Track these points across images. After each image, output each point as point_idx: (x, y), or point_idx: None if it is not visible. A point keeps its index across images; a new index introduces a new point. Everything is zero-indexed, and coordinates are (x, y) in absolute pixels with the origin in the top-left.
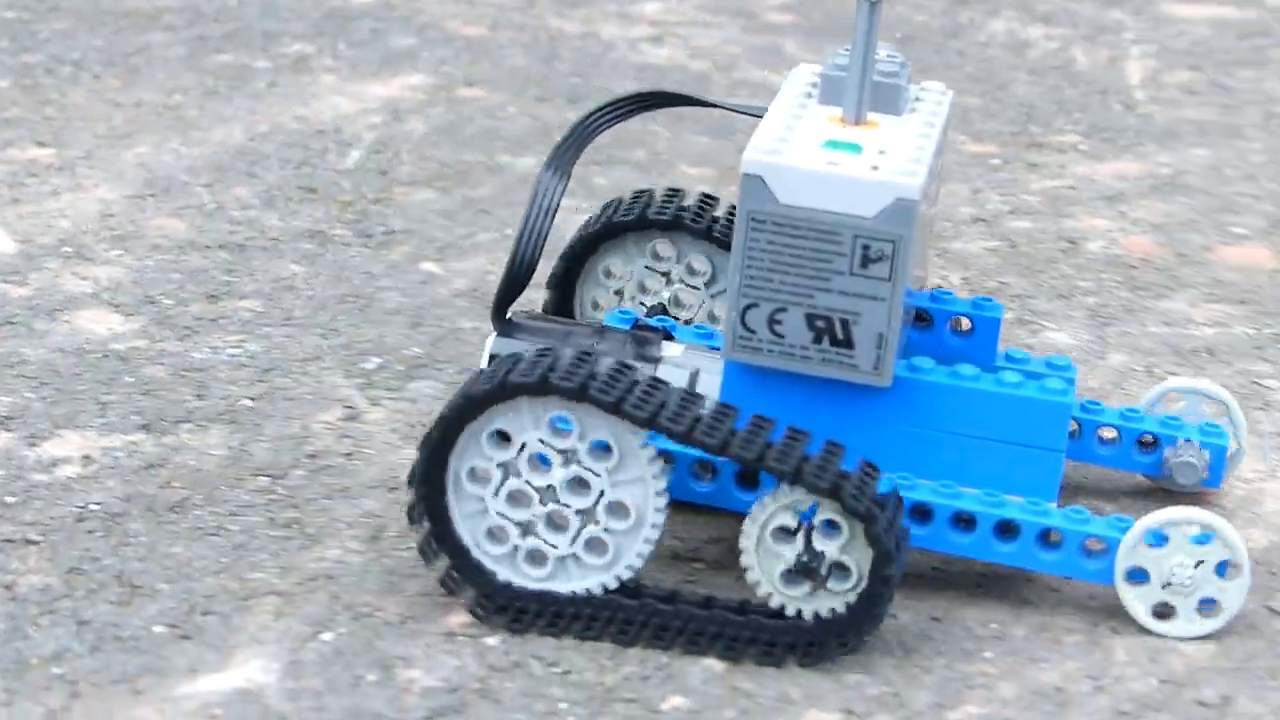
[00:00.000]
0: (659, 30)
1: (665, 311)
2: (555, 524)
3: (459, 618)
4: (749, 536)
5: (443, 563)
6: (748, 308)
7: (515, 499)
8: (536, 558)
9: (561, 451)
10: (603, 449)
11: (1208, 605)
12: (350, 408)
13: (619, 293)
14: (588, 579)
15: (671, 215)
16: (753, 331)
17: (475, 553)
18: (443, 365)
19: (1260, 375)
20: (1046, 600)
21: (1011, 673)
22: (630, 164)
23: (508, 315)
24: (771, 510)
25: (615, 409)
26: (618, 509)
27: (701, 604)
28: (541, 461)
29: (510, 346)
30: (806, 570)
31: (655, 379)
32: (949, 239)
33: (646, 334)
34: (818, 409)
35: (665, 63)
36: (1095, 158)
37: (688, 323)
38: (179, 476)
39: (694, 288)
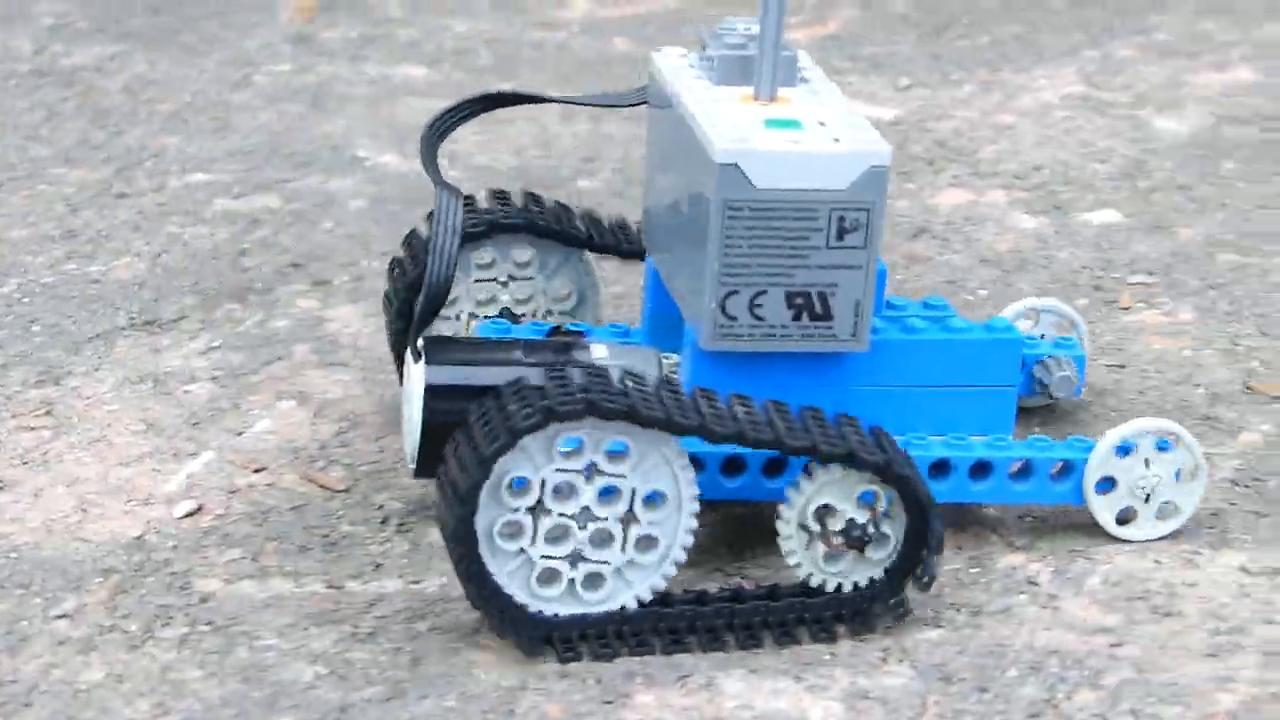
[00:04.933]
0: None
1: (513, 315)
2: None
3: None
4: (789, 522)
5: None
6: (728, 295)
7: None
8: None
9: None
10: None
11: (1166, 507)
12: None
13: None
14: (632, 589)
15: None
16: (733, 319)
17: (520, 598)
18: None
19: None
20: None
21: None
22: None
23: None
24: (810, 494)
25: (668, 423)
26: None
27: (733, 598)
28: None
29: (443, 375)
30: (859, 543)
31: (670, 383)
32: None
33: (569, 339)
34: (788, 382)
35: None
36: None
37: (532, 317)
38: None
39: (529, 280)
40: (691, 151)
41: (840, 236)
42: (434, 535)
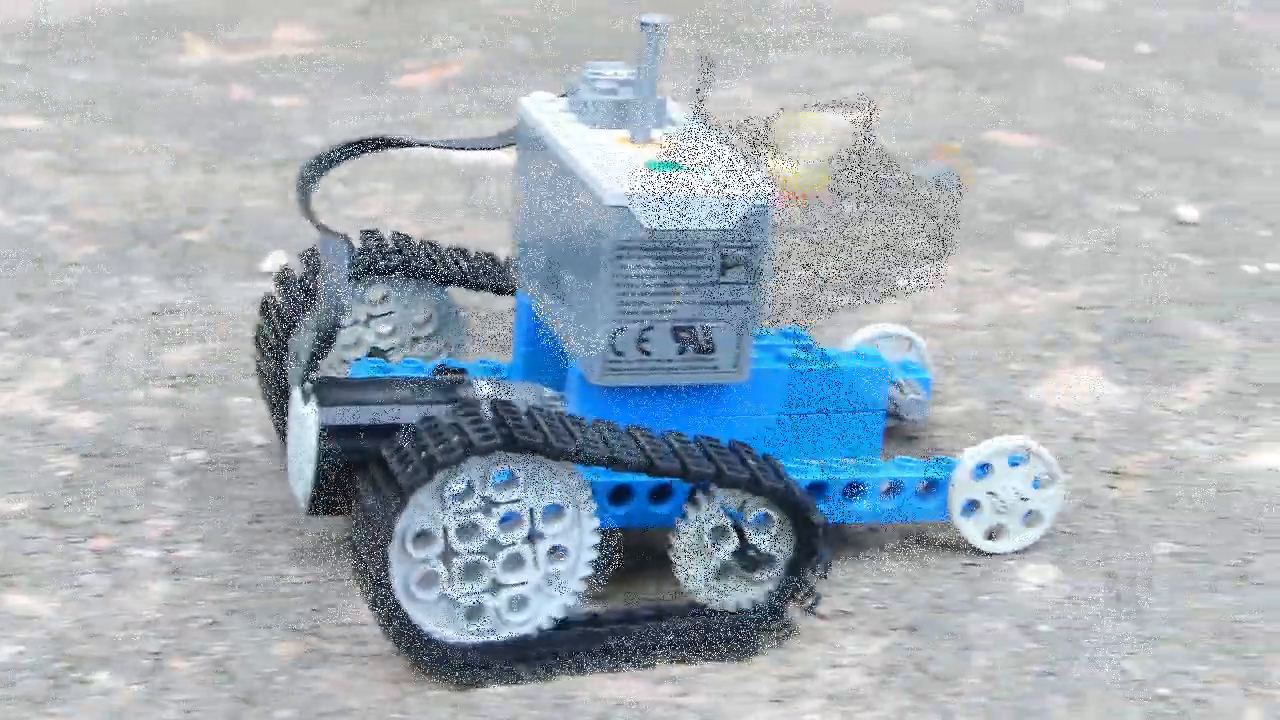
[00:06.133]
0: None
1: (382, 353)
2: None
3: None
4: (683, 542)
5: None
6: (617, 332)
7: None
8: (476, 613)
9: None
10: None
11: (1028, 517)
12: None
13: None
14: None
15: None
16: (621, 354)
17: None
18: None
19: None
20: None
21: None
22: None
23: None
24: (706, 514)
25: (575, 454)
26: (556, 551)
27: (626, 618)
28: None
29: (337, 415)
30: (752, 564)
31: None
32: None
33: (454, 376)
34: (671, 413)
35: None
36: None
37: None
38: None
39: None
40: (575, 194)
41: (724, 273)
42: (10, 603)
